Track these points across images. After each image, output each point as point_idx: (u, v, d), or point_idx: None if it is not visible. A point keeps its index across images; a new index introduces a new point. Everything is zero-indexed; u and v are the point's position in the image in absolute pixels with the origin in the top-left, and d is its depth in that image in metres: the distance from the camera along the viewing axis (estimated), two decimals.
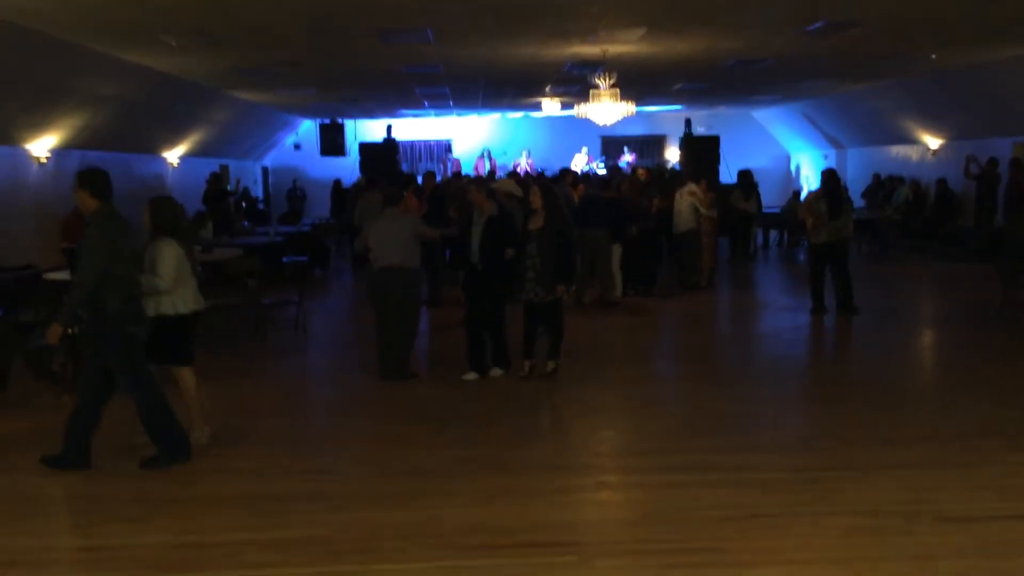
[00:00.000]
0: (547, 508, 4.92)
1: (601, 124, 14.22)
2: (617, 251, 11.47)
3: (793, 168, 26.79)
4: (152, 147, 17.02)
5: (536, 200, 7.69)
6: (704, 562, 4.17)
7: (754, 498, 4.96)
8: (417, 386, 7.99)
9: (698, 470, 5.42)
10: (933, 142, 18.86)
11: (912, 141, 19.66)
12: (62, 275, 9.85)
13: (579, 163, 22.55)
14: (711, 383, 7.81)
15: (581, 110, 13.63)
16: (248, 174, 23.21)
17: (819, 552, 4.27)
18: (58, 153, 13.22)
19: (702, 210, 12.57)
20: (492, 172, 21.52)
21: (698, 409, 6.93)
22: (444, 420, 6.71)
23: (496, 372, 7.81)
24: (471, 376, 7.73)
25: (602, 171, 20.69)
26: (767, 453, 5.78)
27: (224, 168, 20.94)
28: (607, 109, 13.11)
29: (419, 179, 13.84)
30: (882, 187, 19.85)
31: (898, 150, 20.62)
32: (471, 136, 25.23)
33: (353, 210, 13.43)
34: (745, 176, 16.68)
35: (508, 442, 6.04)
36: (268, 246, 14.07)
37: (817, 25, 10.59)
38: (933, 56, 13.60)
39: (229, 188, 19.15)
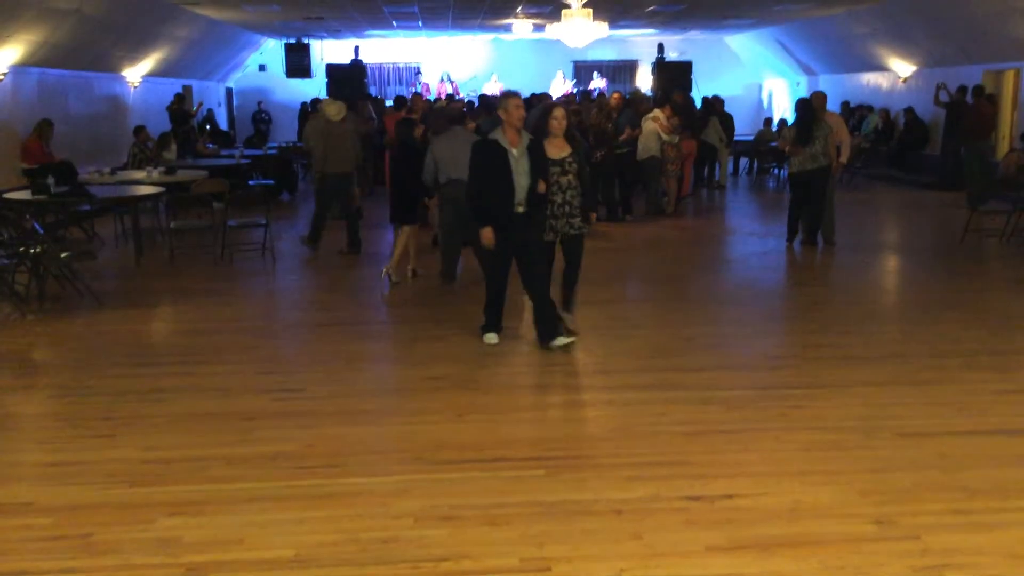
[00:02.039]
0: (515, 425, 4.97)
1: (573, 46, 14.03)
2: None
3: (765, 96, 26.68)
4: (113, 66, 16.55)
5: (563, 122, 6.43)
6: (669, 475, 4.24)
7: (719, 415, 5.04)
8: (387, 308, 8.00)
9: (664, 388, 5.49)
10: (904, 69, 18.83)
11: (883, 68, 19.61)
12: (22, 195, 9.66)
13: (557, 88, 22.28)
14: (678, 306, 7.89)
15: (554, 30, 13.41)
16: (212, 95, 22.71)
17: (780, 465, 4.36)
18: (16, 70, 12.83)
19: (664, 136, 12.46)
20: (452, 96, 21.19)
21: (665, 330, 7.00)
22: (413, 340, 6.74)
23: (562, 341, 6.27)
24: (563, 341, 6.28)
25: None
26: (733, 371, 5.88)
27: (187, 89, 20.47)
28: (579, 29, 12.91)
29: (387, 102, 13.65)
30: (852, 115, 19.86)
31: (869, 77, 20.57)
32: (440, 60, 24.78)
33: (302, 130, 13.10)
34: (706, 105, 16.66)
35: (477, 362, 6.07)
36: (234, 169, 13.87)
37: None
38: None
39: (199, 109, 18.77)
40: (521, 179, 6.09)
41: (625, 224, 12.12)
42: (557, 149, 6.34)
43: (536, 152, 6.16)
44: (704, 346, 6.56)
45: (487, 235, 6.15)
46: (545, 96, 14.75)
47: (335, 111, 10.07)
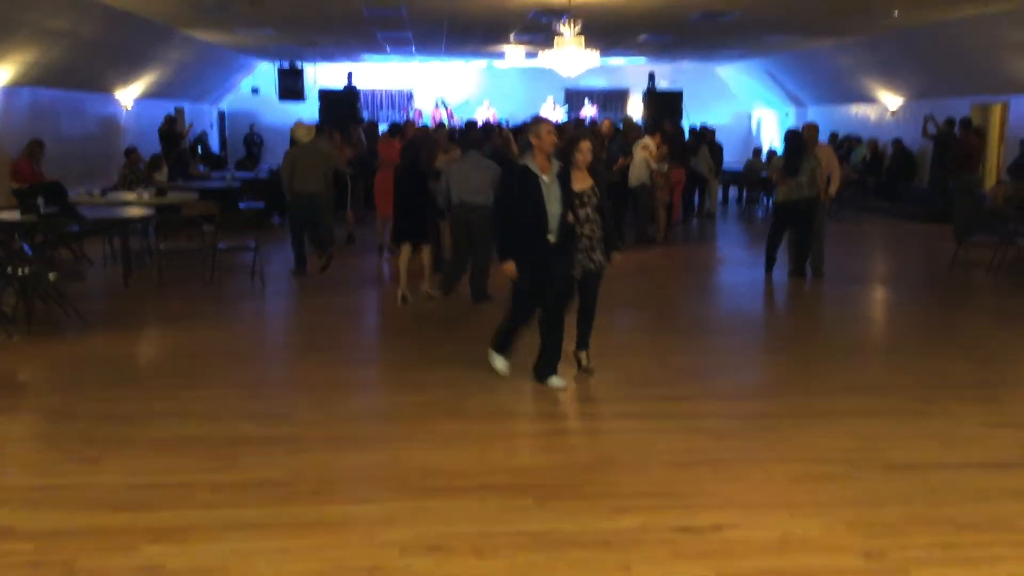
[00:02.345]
0: (503, 453, 4.95)
1: (565, 75, 14.11)
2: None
3: (754, 125, 26.89)
4: (105, 87, 16.56)
5: (588, 156, 6.11)
6: (657, 505, 4.23)
7: (706, 444, 5.04)
8: (375, 333, 7.99)
9: (652, 417, 5.49)
10: (892, 102, 19.01)
11: (872, 100, 19.80)
12: (11, 215, 9.62)
13: (547, 115, 22.39)
14: (666, 334, 7.88)
15: (546, 58, 13.49)
16: (204, 118, 22.74)
17: (769, 497, 4.35)
18: (7, 91, 12.82)
19: (652, 164, 12.53)
20: (441, 125, 21.25)
21: (653, 358, 6.99)
22: (402, 366, 6.72)
23: (559, 383, 6.11)
24: (559, 383, 6.09)
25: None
26: (720, 401, 5.87)
27: (179, 111, 20.49)
28: (572, 58, 13.00)
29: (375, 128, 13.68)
30: (840, 146, 20.01)
31: (857, 109, 20.76)
32: (433, 86, 24.89)
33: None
34: (696, 134, 16.81)
35: (465, 389, 6.05)
36: (225, 191, 13.87)
37: None
38: (896, 13, 13.65)
39: (189, 130, 18.80)
40: (553, 207, 5.85)
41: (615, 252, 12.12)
42: (579, 181, 6.06)
43: (565, 180, 5.94)
44: (692, 375, 6.56)
45: (510, 268, 5.92)
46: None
47: (304, 132, 10.46)
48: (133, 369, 6.80)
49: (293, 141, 10.76)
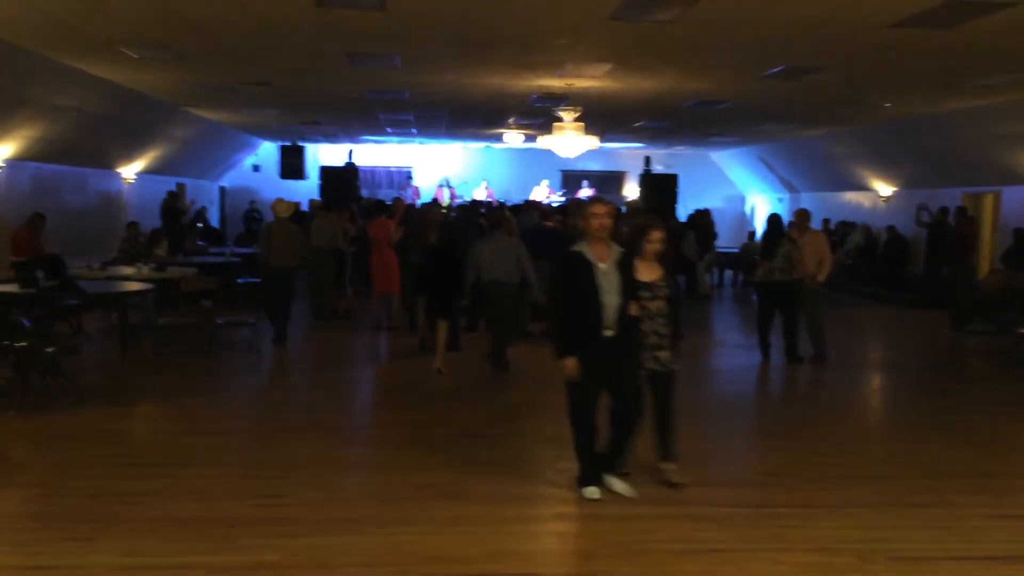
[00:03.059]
0: (505, 538, 4.87)
1: (564, 156, 14.34)
2: None
3: (748, 209, 27.22)
4: (108, 162, 16.75)
5: (659, 246, 5.71)
6: None
7: (711, 532, 4.96)
8: (373, 412, 7.93)
9: (656, 503, 5.41)
10: (885, 190, 19.31)
11: (865, 188, 20.10)
12: (10, 288, 9.62)
13: (539, 196, 22.66)
14: None
15: (545, 141, 13.74)
16: (205, 193, 22.96)
17: None
18: (12, 164, 12.95)
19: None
20: (451, 202, 21.54)
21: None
22: (400, 446, 6.65)
23: (622, 486, 5.57)
24: (595, 494, 5.46)
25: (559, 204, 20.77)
26: (724, 488, 5.80)
27: (181, 187, 20.71)
28: (571, 142, 13.23)
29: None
30: (833, 232, 20.23)
31: (851, 196, 21.06)
32: (432, 164, 25.24)
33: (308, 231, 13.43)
34: (691, 219, 17.14)
35: (466, 471, 5.98)
36: (223, 266, 13.93)
37: (776, 70, 10.81)
38: (888, 105, 13.96)
39: (191, 206, 18.98)
40: (610, 298, 5.26)
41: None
42: (648, 271, 5.57)
43: (626, 268, 5.39)
44: (695, 461, 6.47)
45: (570, 366, 5.31)
46: (537, 203, 15.03)
47: (283, 209, 10.80)
48: (129, 445, 6.71)
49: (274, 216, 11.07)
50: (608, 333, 5.29)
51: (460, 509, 5.25)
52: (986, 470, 6.34)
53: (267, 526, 4.94)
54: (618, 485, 5.51)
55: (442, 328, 9.20)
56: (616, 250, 5.42)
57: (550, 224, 11.90)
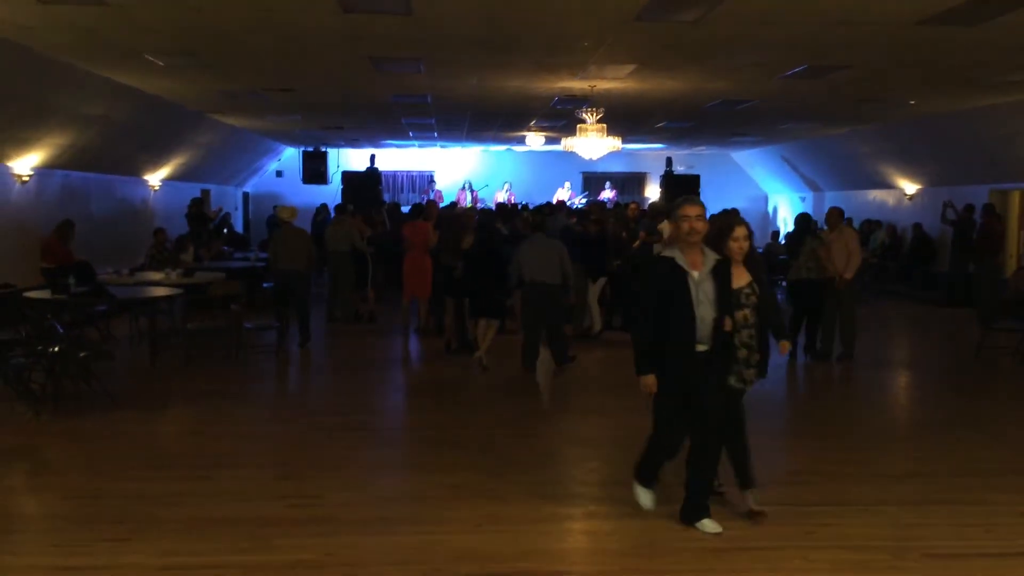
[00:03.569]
0: (537, 536, 4.89)
1: (587, 158, 14.35)
2: (597, 285, 11.59)
3: (771, 209, 27.10)
4: (135, 170, 16.93)
5: (745, 244, 5.16)
6: None
7: (744, 531, 4.96)
8: (403, 413, 7.98)
9: None
10: (910, 187, 19.16)
11: (889, 186, 19.96)
12: (41, 294, 9.75)
13: (562, 197, 22.65)
14: None
15: (567, 143, 13.77)
16: (229, 199, 23.14)
17: None
18: (40, 172, 13.12)
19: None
20: (473, 205, 21.59)
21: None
22: (433, 446, 6.69)
23: (712, 528, 4.94)
24: (713, 528, 4.93)
25: (581, 205, 20.75)
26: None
27: (205, 193, 20.88)
28: (593, 143, 13.24)
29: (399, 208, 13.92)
30: (859, 230, 20.12)
31: (875, 194, 20.92)
32: (453, 168, 25.31)
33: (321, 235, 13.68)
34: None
35: (498, 471, 6.01)
36: (249, 271, 14.04)
37: (799, 68, 10.78)
38: (912, 102, 13.86)
39: (218, 214, 19.18)
40: (704, 310, 4.79)
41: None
42: (735, 277, 5.01)
43: (722, 276, 4.87)
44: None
45: (649, 383, 4.90)
46: (563, 204, 15.08)
47: (288, 214, 11.26)
48: (161, 448, 6.78)
49: (279, 222, 11.45)
50: (701, 348, 4.82)
51: (492, 508, 5.28)
52: (1018, 467, 6.29)
53: (302, 526, 4.99)
54: (709, 525, 4.92)
55: (489, 328, 9.58)
56: (711, 256, 4.90)
57: (583, 228, 11.94)
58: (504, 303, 9.94)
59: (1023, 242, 16.13)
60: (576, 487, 5.82)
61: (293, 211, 11.34)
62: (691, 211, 4.84)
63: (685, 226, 4.84)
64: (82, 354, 7.91)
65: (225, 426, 7.27)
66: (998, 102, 13.41)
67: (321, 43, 9.56)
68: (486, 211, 13.06)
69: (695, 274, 4.81)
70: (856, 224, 20.24)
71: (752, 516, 5.10)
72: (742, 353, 5.03)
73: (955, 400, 8.70)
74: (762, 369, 5.14)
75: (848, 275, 10.23)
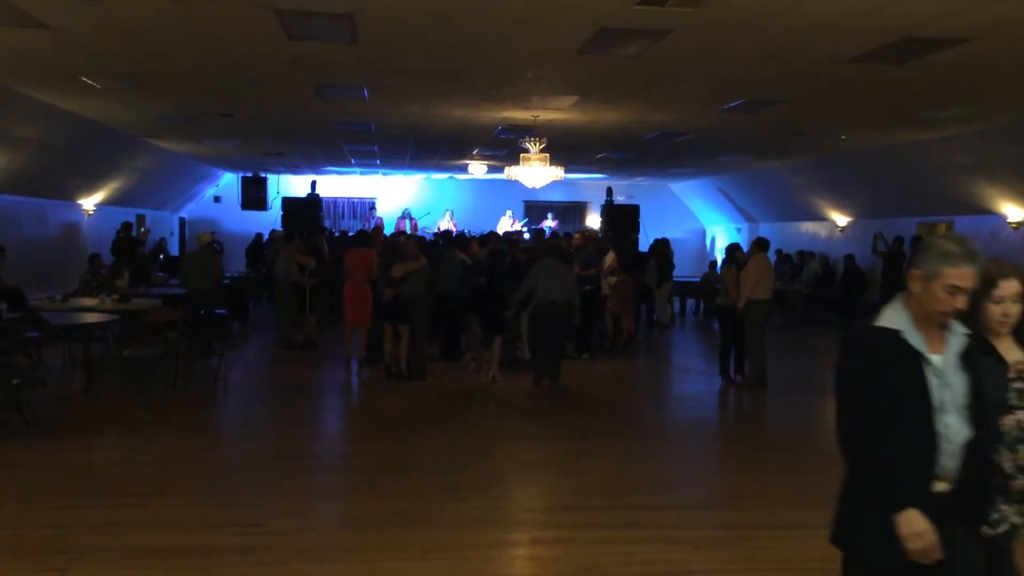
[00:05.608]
0: (482, 563, 4.90)
1: (530, 187, 14.50)
2: (527, 313, 11.63)
3: (708, 240, 27.60)
4: (68, 194, 16.57)
5: (1013, 305, 3.18)
6: None
7: (686, 555, 5.03)
8: (344, 440, 7.91)
9: (630, 527, 5.48)
10: (841, 220, 19.72)
11: (822, 218, 20.51)
12: None
13: (504, 227, 22.78)
14: (639, 442, 7.92)
15: (511, 172, 13.88)
16: (165, 225, 22.77)
17: None
18: None
19: (604, 276, 12.99)
20: (413, 232, 21.54)
21: (628, 467, 7.01)
22: (376, 472, 6.65)
23: None
24: None
25: (526, 235, 20.85)
26: (698, 511, 5.89)
27: (140, 218, 20.52)
28: (536, 173, 13.39)
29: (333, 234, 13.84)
30: (786, 262, 20.61)
31: (808, 226, 21.46)
32: (395, 195, 25.29)
33: (274, 262, 13.73)
34: (652, 248, 17.57)
35: (442, 496, 6.00)
36: (184, 297, 13.78)
37: (737, 103, 11.07)
38: (843, 137, 14.31)
39: (147, 234, 18.86)
40: (951, 418, 2.85)
41: (581, 361, 12.21)
42: (1003, 352, 3.16)
43: (974, 362, 2.93)
44: (667, 484, 6.58)
45: (919, 529, 2.79)
46: (493, 235, 15.17)
47: (205, 239, 12.74)
48: (98, 477, 6.60)
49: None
50: (940, 488, 2.87)
51: (437, 534, 5.27)
52: None
53: (243, 555, 4.92)
54: None
55: (496, 342, 10.47)
56: (961, 334, 2.95)
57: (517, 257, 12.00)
58: (501, 319, 10.66)
59: None
60: (520, 513, 5.84)
61: (209, 236, 12.95)
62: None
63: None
64: (14, 381, 7.71)
65: (162, 455, 7.11)
66: (926, 137, 13.91)
67: (264, 69, 9.52)
68: (498, 236, 13.64)
69: (935, 358, 2.89)
70: (783, 256, 20.75)
71: None
72: (1018, 484, 3.11)
73: None
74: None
75: (740, 304, 10.35)
